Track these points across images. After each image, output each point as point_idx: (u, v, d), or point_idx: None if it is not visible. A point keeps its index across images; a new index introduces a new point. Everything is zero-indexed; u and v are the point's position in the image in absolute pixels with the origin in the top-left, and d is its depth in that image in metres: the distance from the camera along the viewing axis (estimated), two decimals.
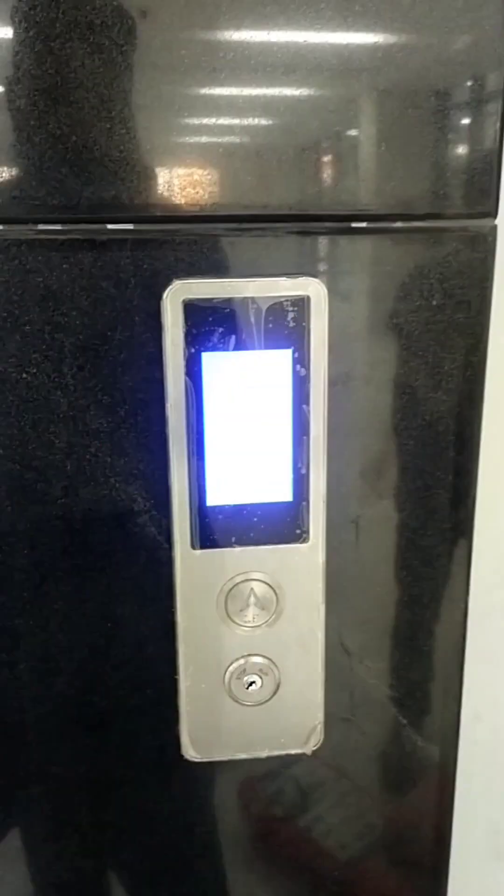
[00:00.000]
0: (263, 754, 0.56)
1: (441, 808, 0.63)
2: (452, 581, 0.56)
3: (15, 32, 0.43)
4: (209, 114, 0.45)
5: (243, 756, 0.56)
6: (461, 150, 0.48)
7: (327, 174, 0.47)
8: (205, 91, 0.45)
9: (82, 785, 0.56)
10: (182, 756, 0.55)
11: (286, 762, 0.58)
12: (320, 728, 0.56)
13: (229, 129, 0.45)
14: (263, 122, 0.46)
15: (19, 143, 0.45)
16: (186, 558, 0.51)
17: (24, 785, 0.56)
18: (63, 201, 0.45)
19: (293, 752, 0.56)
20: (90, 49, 0.44)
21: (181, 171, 0.46)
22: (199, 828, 0.59)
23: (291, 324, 0.48)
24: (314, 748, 0.56)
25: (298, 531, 0.51)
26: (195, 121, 0.45)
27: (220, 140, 0.46)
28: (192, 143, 0.45)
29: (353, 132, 0.47)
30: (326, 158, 0.47)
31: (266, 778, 0.59)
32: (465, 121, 0.47)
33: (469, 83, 0.47)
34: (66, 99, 0.44)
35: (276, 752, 0.56)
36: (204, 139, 0.46)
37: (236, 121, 0.45)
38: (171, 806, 0.58)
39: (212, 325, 0.47)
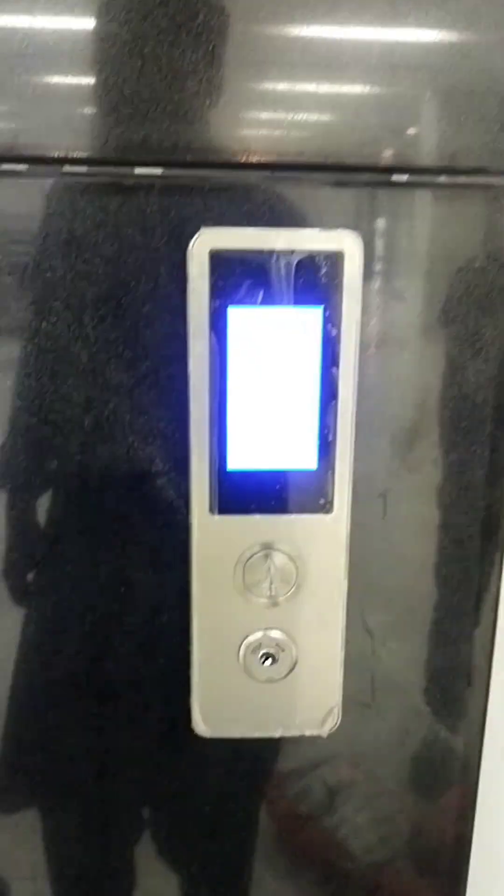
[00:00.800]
0: (277, 734, 0.54)
1: (462, 804, 0.60)
2: (484, 562, 0.53)
3: None
4: (246, 55, 0.43)
5: (256, 734, 0.54)
6: None
7: (366, 122, 0.44)
8: (242, 31, 0.43)
9: (88, 756, 0.55)
10: (192, 731, 0.53)
11: (303, 755, 0.56)
12: (337, 710, 0.53)
13: (265, 72, 0.43)
14: (301, 65, 0.43)
15: (44, 81, 0.43)
16: (204, 523, 0.49)
17: (28, 752, 0.54)
18: (89, 142, 0.44)
19: (308, 733, 0.54)
20: None
21: (213, 114, 0.44)
22: (208, 807, 0.57)
23: (323, 280, 0.45)
24: (330, 731, 0.54)
25: (322, 501, 0.49)
26: (231, 62, 0.43)
27: (254, 84, 0.43)
28: (226, 86, 0.43)
29: (395, 77, 0.44)
30: (366, 105, 0.44)
31: (287, 765, 0.57)
32: None
33: None
34: (94, 34, 0.42)
35: (290, 733, 0.54)
36: (238, 82, 0.43)
37: (273, 63, 0.43)
38: (180, 783, 0.56)
39: (239, 278, 0.45)
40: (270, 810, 0.58)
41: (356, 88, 0.44)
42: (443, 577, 0.53)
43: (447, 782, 0.59)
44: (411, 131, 0.45)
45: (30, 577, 0.50)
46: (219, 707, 0.53)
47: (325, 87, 0.44)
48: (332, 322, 0.46)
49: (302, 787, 0.58)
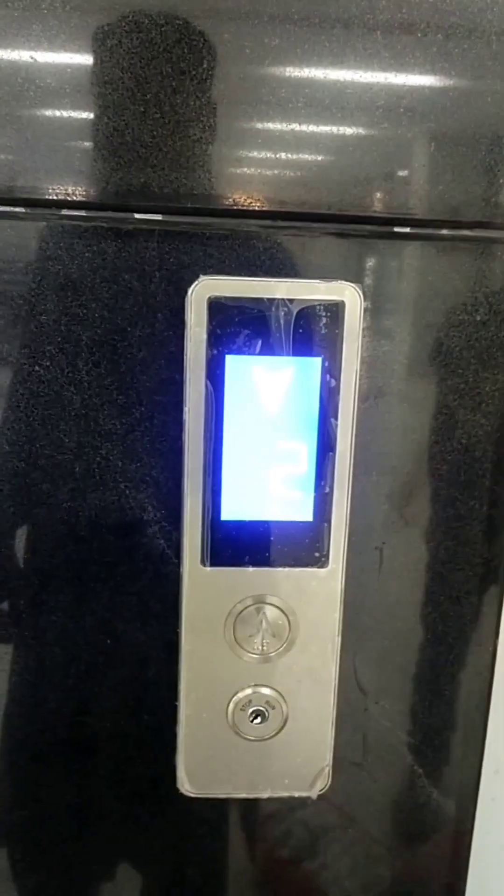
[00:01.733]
0: (265, 795, 0.52)
1: (454, 868, 0.58)
2: (481, 620, 0.51)
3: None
4: (250, 104, 0.43)
5: (243, 795, 0.52)
6: None
7: (369, 173, 0.44)
8: (247, 79, 0.42)
9: (68, 813, 0.52)
10: (177, 790, 0.51)
11: (291, 805, 0.54)
12: (328, 771, 0.52)
13: (268, 121, 0.43)
14: (305, 115, 0.43)
15: (45, 122, 0.42)
16: (195, 575, 0.47)
17: (6, 808, 0.52)
18: (89, 186, 0.43)
19: (297, 794, 0.52)
20: (128, 28, 0.41)
21: (215, 161, 0.43)
22: (192, 868, 0.55)
23: (323, 330, 0.45)
24: (320, 792, 0.52)
25: (317, 554, 0.48)
26: (235, 110, 0.43)
27: (257, 132, 0.43)
28: (229, 133, 0.43)
29: (399, 128, 0.44)
30: (369, 156, 0.44)
31: (271, 819, 0.55)
32: None
33: None
34: (97, 77, 0.42)
35: (278, 794, 0.52)
36: (241, 130, 0.43)
37: (276, 112, 0.43)
38: (163, 841, 0.54)
39: (237, 327, 0.44)
40: (257, 872, 0.56)
41: (359, 140, 0.44)
42: (439, 635, 0.51)
43: (439, 845, 0.57)
44: (414, 183, 0.44)
45: (11, 629, 0.48)
46: (205, 766, 0.51)
47: (328, 138, 0.44)
48: (330, 373, 0.45)
49: (284, 832, 0.56)
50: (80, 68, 0.42)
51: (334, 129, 0.43)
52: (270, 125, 0.43)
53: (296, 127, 0.43)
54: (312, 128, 0.43)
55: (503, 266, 0.46)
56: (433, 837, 0.57)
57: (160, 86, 0.42)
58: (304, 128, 0.43)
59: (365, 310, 0.45)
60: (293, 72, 0.42)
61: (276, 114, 0.43)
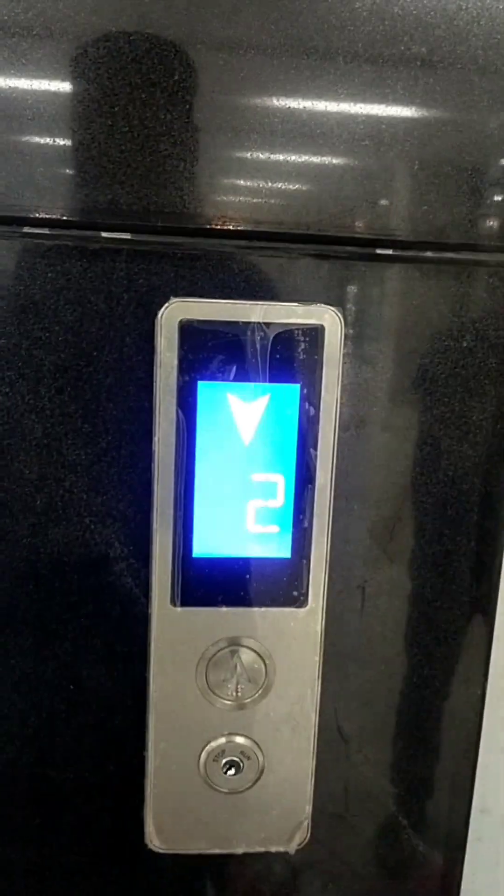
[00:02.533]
0: (239, 850, 0.48)
1: None
2: (469, 662, 0.49)
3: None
4: (223, 117, 0.40)
5: (216, 851, 0.48)
6: (502, 176, 0.42)
7: (349, 192, 0.42)
8: (220, 91, 0.40)
9: (28, 872, 0.49)
10: (145, 846, 0.48)
11: (268, 863, 0.50)
12: (307, 824, 0.48)
13: (243, 135, 0.41)
14: (281, 129, 0.41)
15: (5, 135, 0.40)
16: (165, 616, 0.44)
17: None
18: (53, 203, 0.40)
19: (274, 849, 0.49)
20: (95, 39, 0.39)
21: (187, 178, 0.41)
22: None
23: (302, 356, 0.42)
24: (299, 847, 0.49)
25: (295, 593, 0.45)
26: (207, 123, 0.40)
27: (232, 147, 0.41)
28: (201, 148, 0.40)
29: (382, 147, 0.41)
30: (348, 175, 0.42)
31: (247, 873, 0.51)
32: None
33: None
34: (61, 88, 0.39)
35: (254, 849, 0.48)
36: (215, 144, 0.41)
37: (252, 126, 0.41)
38: None
39: (210, 352, 0.42)
40: None
41: (338, 156, 0.41)
42: (425, 678, 0.48)
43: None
44: (397, 203, 0.42)
45: None
46: (175, 820, 0.47)
47: (306, 154, 0.41)
48: (309, 401, 0.43)
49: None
50: (43, 80, 0.39)
51: (314, 145, 0.41)
52: (246, 140, 0.41)
53: (273, 142, 0.41)
54: (291, 144, 0.41)
55: (490, 290, 0.44)
56: (419, 890, 0.54)
57: (129, 98, 0.40)
58: (282, 143, 0.41)
59: (346, 335, 0.42)
60: (269, 87, 0.40)
61: (253, 129, 0.41)
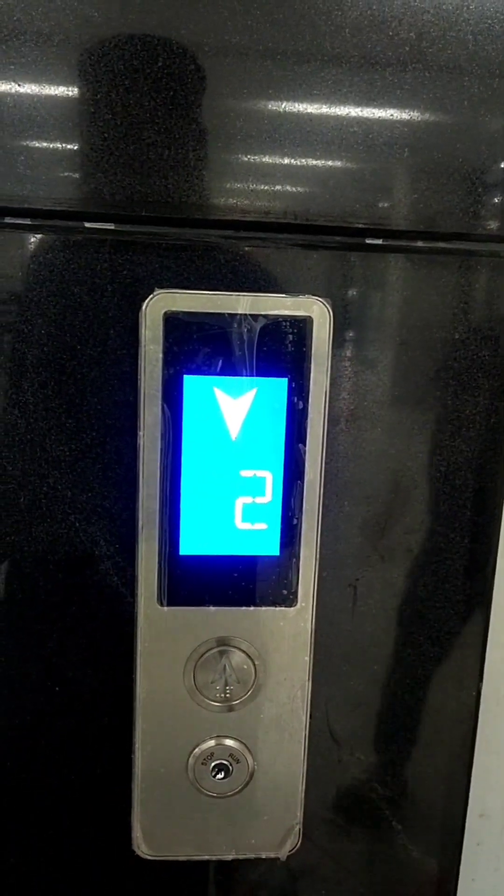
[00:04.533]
0: (229, 856, 0.47)
1: None
2: (463, 662, 0.48)
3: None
4: (208, 103, 0.39)
5: (205, 857, 0.47)
6: (495, 162, 0.41)
7: (338, 180, 0.41)
8: (205, 76, 0.39)
9: (13, 878, 0.48)
10: (133, 852, 0.46)
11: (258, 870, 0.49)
12: (298, 829, 0.47)
13: (230, 121, 0.40)
14: (269, 115, 0.40)
15: None
16: (152, 616, 0.43)
17: None
18: (34, 192, 0.40)
19: (265, 855, 0.47)
20: (76, 25, 0.38)
21: (171, 166, 0.40)
22: None
23: (289, 348, 0.41)
24: (290, 853, 0.48)
25: (285, 592, 0.44)
26: (192, 109, 0.39)
27: (218, 134, 0.40)
28: (186, 136, 0.40)
29: (371, 136, 0.41)
30: (341, 162, 0.41)
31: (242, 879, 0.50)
32: (501, 132, 0.41)
33: None
34: (41, 75, 0.38)
35: (244, 855, 0.47)
36: (200, 131, 0.40)
37: (239, 111, 0.40)
38: None
39: (196, 344, 0.41)
40: None
41: (327, 145, 0.41)
42: (418, 678, 0.47)
43: None
44: (386, 192, 0.41)
45: None
46: (163, 825, 0.46)
47: (293, 143, 0.40)
48: (297, 394, 0.42)
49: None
50: (23, 66, 0.39)
51: (302, 134, 0.40)
52: (232, 129, 0.40)
53: (260, 131, 0.40)
54: (278, 133, 0.40)
55: (483, 281, 0.43)
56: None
57: (111, 85, 0.39)
58: (269, 133, 0.40)
59: (335, 326, 0.41)
60: (255, 76, 0.39)
61: (240, 117, 0.40)
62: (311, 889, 0.50)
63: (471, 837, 0.78)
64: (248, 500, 0.43)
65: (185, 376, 0.41)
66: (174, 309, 0.40)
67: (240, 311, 0.40)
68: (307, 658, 0.45)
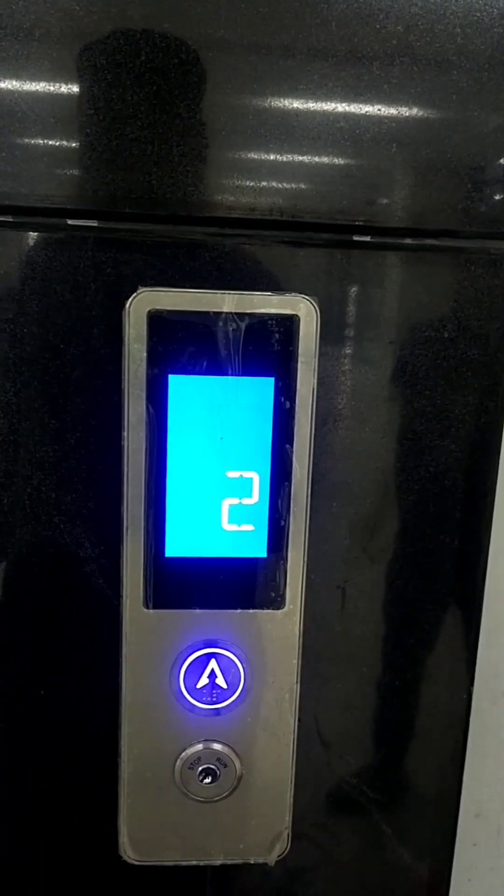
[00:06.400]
0: (217, 861, 0.47)
1: None
2: (454, 665, 0.47)
3: None
4: (193, 98, 0.39)
5: (193, 862, 0.47)
6: (485, 158, 0.41)
7: (325, 177, 0.40)
8: (188, 71, 0.39)
9: (3, 884, 0.47)
10: (119, 857, 0.46)
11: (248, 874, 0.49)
12: (287, 834, 0.47)
13: (215, 117, 0.39)
14: (256, 111, 0.39)
15: None
16: (137, 619, 0.43)
17: None
18: (15, 188, 0.39)
19: (253, 860, 0.47)
20: (59, 18, 0.38)
21: (156, 162, 0.39)
22: None
23: (276, 347, 0.41)
24: (279, 857, 0.47)
25: (273, 594, 0.43)
26: (176, 105, 0.39)
27: (202, 130, 0.39)
28: (171, 131, 0.39)
29: (357, 132, 0.40)
30: (327, 159, 0.40)
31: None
32: (491, 128, 0.41)
33: (494, 86, 0.40)
34: (21, 68, 0.38)
35: (232, 860, 0.47)
36: (185, 127, 0.39)
37: (224, 107, 0.39)
38: None
39: (181, 343, 0.40)
40: None
41: (312, 142, 0.40)
42: (408, 681, 0.47)
43: None
44: (374, 189, 0.41)
45: None
46: (150, 830, 0.46)
47: (282, 138, 0.40)
48: (284, 394, 0.41)
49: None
50: (5, 62, 0.38)
51: (287, 126, 0.40)
52: (217, 125, 0.39)
53: (245, 123, 0.39)
54: (263, 129, 0.39)
55: (472, 278, 0.42)
56: None
57: (93, 78, 0.38)
58: (254, 129, 0.39)
59: (322, 325, 0.41)
60: (241, 73, 0.39)
61: (224, 113, 0.39)
62: (302, 893, 0.50)
63: (467, 838, 0.78)
64: (235, 501, 0.42)
65: (170, 376, 0.40)
66: (158, 307, 0.40)
67: (225, 310, 0.40)
68: (295, 661, 0.44)
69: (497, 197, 0.41)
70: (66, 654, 0.44)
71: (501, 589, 0.67)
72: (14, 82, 0.38)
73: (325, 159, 0.40)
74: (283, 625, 0.44)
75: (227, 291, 0.40)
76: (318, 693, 0.46)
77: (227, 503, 0.42)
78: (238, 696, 0.44)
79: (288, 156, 0.40)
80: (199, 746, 0.45)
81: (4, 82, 0.38)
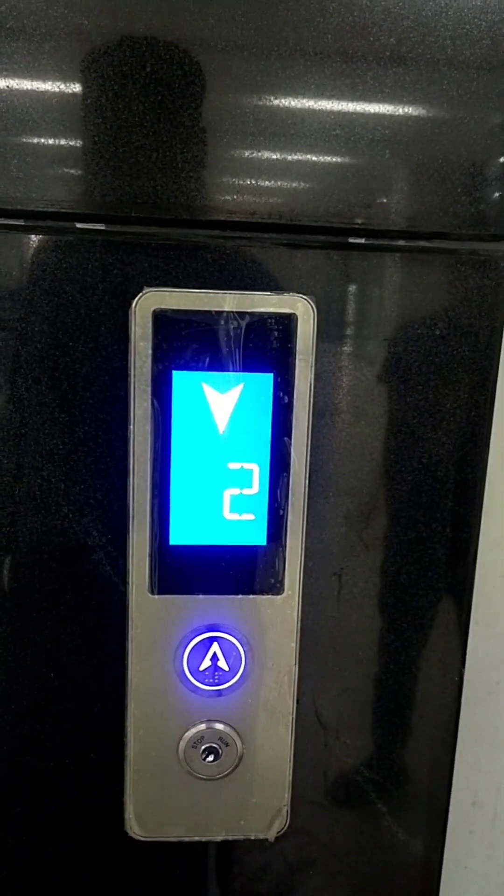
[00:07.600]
0: (219, 837, 0.49)
1: None
2: (446, 649, 0.49)
3: None
4: (196, 108, 0.41)
5: (196, 838, 0.48)
6: (475, 163, 0.43)
7: (323, 182, 0.42)
8: (192, 82, 0.40)
9: (6, 860, 0.49)
10: (125, 833, 0.48)
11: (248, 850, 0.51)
12: (286, 811, 0.49)
13: (217, 125, 0.41)
14: (256, 119, 0.41)
15: None
16: (143, 604, 0.45)
17: None
18: (26, 194, 0.41)
19: (254, 837, 0.49)
20: (66, 29, 0.39)
21: (160, 168, 0.41)
22: None
23: (275, 345, 0.43)
24: (278, 834, 0.49)
25: (272, 581, 0.45)
26: (180, 114, 0.41)
27: (205, 138, 0.41)
28: (174, 139, 0.41)
29: (352, 137, 0.42)
30: (324, 164, 0.42)
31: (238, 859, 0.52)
32: (481, 133, 0.43)
33: (485, 91, 0.42)
34: (32, 79, 0.40)
35: (233, 836, 0.49)
36: (188, 135, 0.41)
37: (226, 116, 0.41)
38: (113, 891, 0.51)
39: (184, 341, 0.42)
40: None
41: (309, 147, 0.42)
42: (402, 664, 0.49)
43: (404, 884, 0.54)
44: (370, 193, 0.43)
45: None
46: (155, 807, 0.48)
47: (280, 145, 0.42)
48: (283, 389, 0.43)
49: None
50: (16, 69, 0.40)
51: (286, 136, 0.42)
52: (220, 132, 0.41)
53: (246, 133, 0.41)
54: (263, 135, 0.41)
55: (462, 278, 0.44)
56: (398, 881, 0.54)
57: (101, 88, 0.40)
58: (254, 135, 0.41)
59: (319, 323, 0.43)
60: (241, 80, 0.41)
61: (226, 120, 0.41)
62: (299, 868, 0.52)
63: (463, 825, 0.80)
64: (236, 491, 0.44)
65: (174, 372, 0.42)
66: (163, 307, 0.42)
67: (226, 309, 0.42)
68: (294, 644, 0.46)
69: (487, 200, 0.43)
70: (75, 639, 0.46)
71: (496, 581, 0.69)
72: (26, 90, 0.40)
73: (321, 166, 0.42)
74: (282, 610, 0.46)
75: (228, 291, 0.42)
76: (316, 676, 0.48)
77: (228, 493, 0.44)
78: (239, 678, 0.46)
79: (286, 162, 0.42)
80: (203, 726, 0.47)
81: (17, 94, 0.40)
